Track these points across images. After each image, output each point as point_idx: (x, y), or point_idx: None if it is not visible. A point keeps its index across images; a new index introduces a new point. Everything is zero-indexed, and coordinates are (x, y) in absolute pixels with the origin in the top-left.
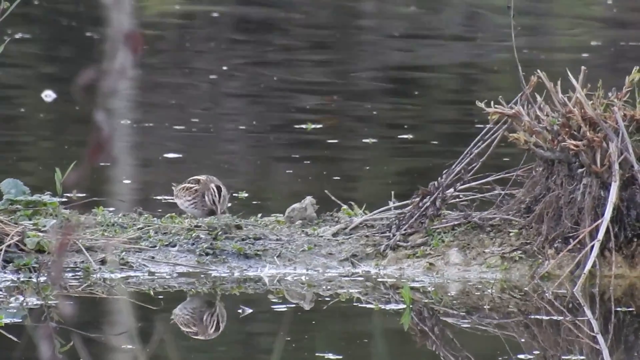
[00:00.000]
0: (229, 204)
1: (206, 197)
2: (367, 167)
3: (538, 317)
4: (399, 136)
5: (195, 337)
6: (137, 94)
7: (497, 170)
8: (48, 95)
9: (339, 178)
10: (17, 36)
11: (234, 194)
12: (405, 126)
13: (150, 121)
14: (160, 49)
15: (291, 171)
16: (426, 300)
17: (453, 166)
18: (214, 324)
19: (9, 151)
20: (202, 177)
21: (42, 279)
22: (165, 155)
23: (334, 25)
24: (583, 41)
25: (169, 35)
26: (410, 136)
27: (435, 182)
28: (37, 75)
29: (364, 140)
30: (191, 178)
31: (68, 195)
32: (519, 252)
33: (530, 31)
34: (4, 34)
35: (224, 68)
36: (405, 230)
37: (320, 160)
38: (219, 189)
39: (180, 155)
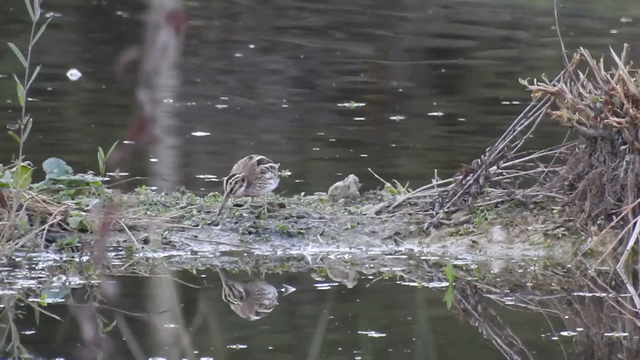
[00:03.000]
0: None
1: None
2: (410, 145)
3: (581, 294)
4: (442, 113)
5: (238, 316)
6: (179, 72)
7: (540, 147)
8: (73, 74)
9: (382, 156)
10: (48, 15)
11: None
12: (450, 103)
13: (192, 100)
14: (202, 27)
15: (334, 149)
16: (469, 278)
17: (496, 144)
18: (258, 303)
19: (51, 130)
20: (242, 160)
21: (84, 258)
22: (208, 133)
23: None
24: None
25: (209, 8)
26: (455, 113)
27: (479, 160)
28: (63, 54)
29: (407, 118)
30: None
31: (111, 174)
32: (562, 229)
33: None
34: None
35: (265, 45)
36: (448, 208)
37: (363, 138)
38: (230, 176)
39: (224, 134)
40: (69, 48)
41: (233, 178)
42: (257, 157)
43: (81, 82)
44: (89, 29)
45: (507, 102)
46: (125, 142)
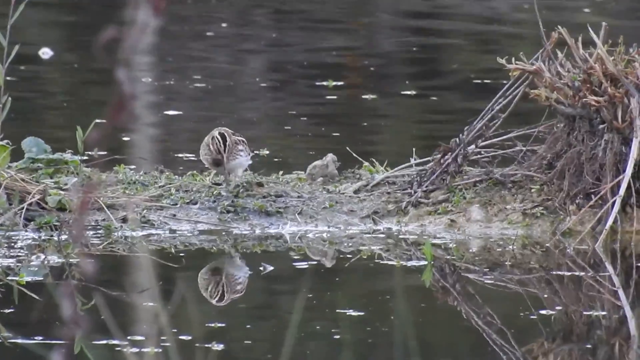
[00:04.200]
0: (250, 161)
1: (211, 147)
2: (388, 124)
3: (559, 273)
4: (420, 92)
5: (217, 295)
6: (157, 50)
7: (519, 126)
8: (45, 52)
9: (360, 135)
10: None
11: (254, 151)
12: (427, 83)
13: (169, 78)
14: (181, 4)
15: (312, 128)
16: (447, 257)
17: (474, 123)
18: (235, 281)
19: (28, 110)
20: (214, 132)
21: (63, 237)
22: (186, 112)
23: None
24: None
25: None
26: (432, 92)
27: (457, 139)
28: (34, 34)
29: (385, 97)
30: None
31: (89, 153)
32: (541, 208)
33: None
34: None
35: (241, 23)
36: (426, 187)
37: (341, 117)
38: (222, 136)
39: (202, 113)
40: (39, 27)
41: (227, 139)
42: (225, 129)
43: (53, 60)
44: (59, 7)
45: (479, 81)
46: (103, 120)
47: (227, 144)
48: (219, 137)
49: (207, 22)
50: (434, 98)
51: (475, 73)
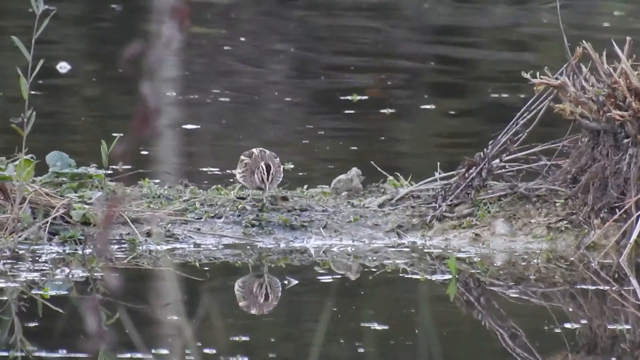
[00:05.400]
0: (280, 178)
1: (255, 176)
2: (413, 138)
3: (584, 287)
4: (445, 107)
5: (241, 309)
6: (181, 65)
7: (543, 141)
8: (63, 67)
9: (384, 149)
10: (43, 8)
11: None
12: (452, 97)
13: (193, 92)
14: (206, 19)
15: (337, 142)
16: (472, 271)
17: (499, 137)
18: (260, 295)
19: (51, 124)
20: (255, 151)
21: (87, 251)
22: (211, 126)
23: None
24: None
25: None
26: (458, 106)
27: (482, 153)
28: (55, 47)
29: (410, 112)
30: (246, 151)
31: (114, 167)
32: (565, 222)
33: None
34: (29, 5)
35: (270, 38)
36: (451, 201)
37: (365, 131)
38: (268, 167)
39: (227, 126)
40: (57, 40)
41: (271, 169)
42: (265, 150)
43: (71, 74)
44: (79, 21)
45: (496, 95)
46: (121, 135)
47: (271, 173)
48: (264, 167)
49: (227, 38)
50: (452, 112)
51: (494, 88)
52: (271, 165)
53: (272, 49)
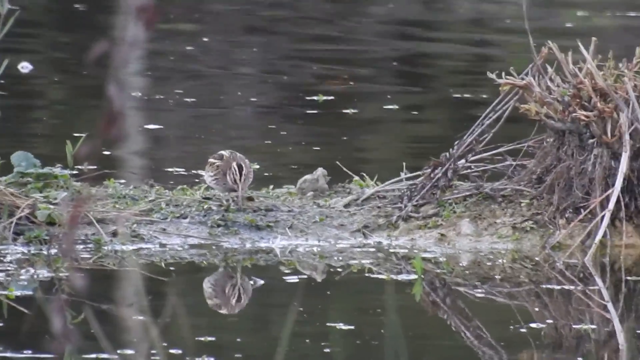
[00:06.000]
0: (251, 179)
1: (228, 177)
2: (379, 139)
3: (549, 286)
4: (410, 106)
5: (207, 309)
6: (146, 64)
7: (509, 141)
8: (24, 66)
9: (350, 149)
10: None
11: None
12: (417, 97)
13: (158, 93)
14: (170, 17)
15: (303, 143)
16: (438, 271)
17: (464, 137)
18: (226, 295)
19: (18, 124)
20: (225, 153)
21: (53, 251)
22: (175, 126)
23: None
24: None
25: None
26: (422, 107)
27: (447, 153)
28: (15, 48)
29: (376, 112)
30: (216, 153)
31: (79, 167)
32: (530, 222)
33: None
34: None
35: (234, 39)
36: (416, 201)
37: (331, 132)
38: (240, 167)
39: (192, 127)
40: (17, 40)
41: (244, 169)
42: (235, 152)
43: (33, 74)
44: (42, 21)
45: (459, 95)
46: (93, 135)
47: (244, 173)
48: (236, 168)
49: (192, 35)
50: (416, 112)
51: (456, 87)
52: (243, 165)
53: (238, 47)
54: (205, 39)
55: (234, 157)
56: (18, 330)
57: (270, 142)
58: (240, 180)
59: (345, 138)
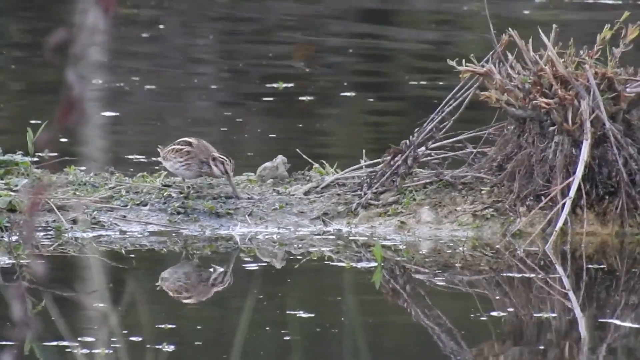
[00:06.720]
0: None
1: (219, 166)
2: (339, 126)
3: (510, 274)
4: (370, 94)
5: (167, 296)
6: (108, 53)
7: (469, 128)
8: None
9: (310, 137)
10: None
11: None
12: (376, 84)
13: (119, 80)
14: (131, 5)
15: (262, 130)
16: (397, 259)
17: (425, 124)
18: (186, 283)
19: None
20: (193, 140)
21: (13, 238)
22: (133, 114)
23: None
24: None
25: None
26: (382, 94)
27: (407, 141)
28: None
29: (335, 99)
30: (180, 140)
31: (40, 154)
32: (491, 209)
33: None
34: None
35: (195, 27)
36: (376, 188)
37: (291, 119)
38: (227, 157)
39: (151, 114)
40: None
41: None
42: (200, 139)
43: None
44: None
45: (415, 83)
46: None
47: (232, 162)
48: (227, 158)
49: (150, 25)
50: (371, 100)
51: (415, 74)
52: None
53: (197, 33)
54: (161, 26)
55: (206, 145)
56: None
57: (229, 129)
58: (231, 170)
59: (304, 126)
